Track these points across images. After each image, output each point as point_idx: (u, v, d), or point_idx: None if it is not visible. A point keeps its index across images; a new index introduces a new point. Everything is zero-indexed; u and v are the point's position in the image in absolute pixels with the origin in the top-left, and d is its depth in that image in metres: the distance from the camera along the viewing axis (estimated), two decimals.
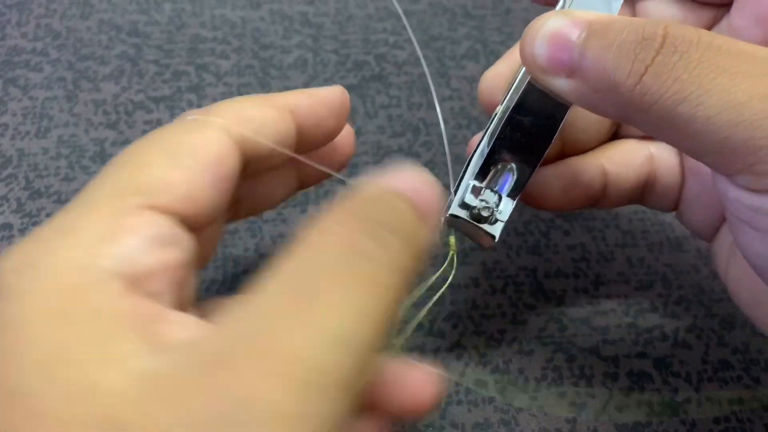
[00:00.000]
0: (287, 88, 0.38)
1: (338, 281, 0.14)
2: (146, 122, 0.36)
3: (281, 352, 0.13)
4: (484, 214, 0.22)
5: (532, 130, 0.22)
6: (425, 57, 0.41)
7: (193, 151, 0.18)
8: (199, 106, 0.37)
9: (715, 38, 0.17)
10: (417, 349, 0.27)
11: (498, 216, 0.22)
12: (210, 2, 0.44)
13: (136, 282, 0.15)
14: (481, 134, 0.23)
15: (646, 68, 0.17)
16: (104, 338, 0.14)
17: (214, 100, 0.37)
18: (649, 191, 0.25)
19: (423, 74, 0.40)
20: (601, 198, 0.25)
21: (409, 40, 0.42)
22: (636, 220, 0.33)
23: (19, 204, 0.31)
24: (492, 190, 0.22)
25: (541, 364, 0.27)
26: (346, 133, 0.23)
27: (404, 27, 0.43)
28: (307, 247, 0.15)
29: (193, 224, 0.18)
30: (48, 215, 0.31)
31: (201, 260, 0.21)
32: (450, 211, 0.22)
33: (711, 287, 0.30)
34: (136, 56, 0.39)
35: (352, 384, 0.13)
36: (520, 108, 0.22)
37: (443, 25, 0.44)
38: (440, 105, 0.38)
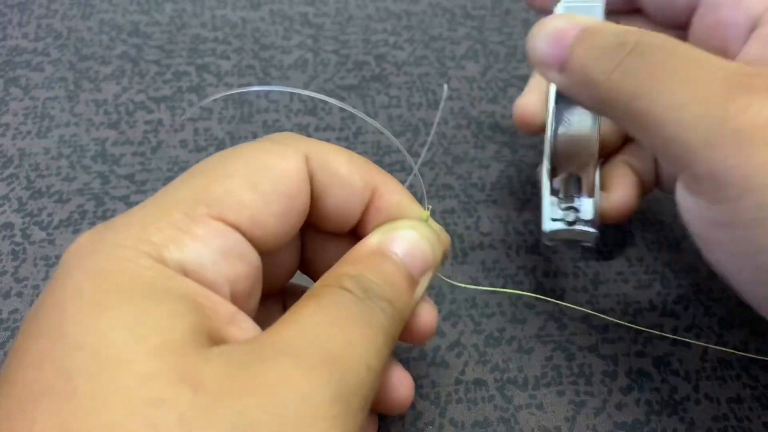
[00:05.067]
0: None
1: (364, 322, 0.17)
2: (147, 122, 0.36)
3: (323, 355, 0.15)
4: (570, 219, 0.26)
5: (577, 140, 0.25)
6: (425, 57, 0.42)
7: (272, 178, 0.18)
8: (200, 106, 0.37)
9: (679, 45, 0.19)
10: (417, 347, 0.27)
11: (584, 216, 0.26)
12: (210, 3, 0.44)
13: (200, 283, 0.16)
14: (544, 161, 0.26)
15: (615, 67, 0.20)
16: (183, 315, 0.15)
17: (215, 100, 0.37)
18: None
19: (423, 74, 0.40)
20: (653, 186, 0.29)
21: (410, 40, 0.43)
22: (635, 219, 0.33)
23: (21, 203, 0.31)
24: (569, 198, 0.26)
25: (541, 363, 0.27)
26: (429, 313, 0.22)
27: (404, 27, 0.44)
28: (328, 292, 0.18)
29: (257, 246, 0.18)
30: (49, 215, 0.31)
31: (275, 281, 0.22)
32: (544, 228, 0.26)
33: (710, 287, 0.30)
34: (137, 56, 0.40)
35: (369, 401, 0.17)
36: (558, 124, 0.24)
37: (443, 25, 0.44)
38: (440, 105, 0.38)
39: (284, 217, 0.18)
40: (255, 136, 0.35)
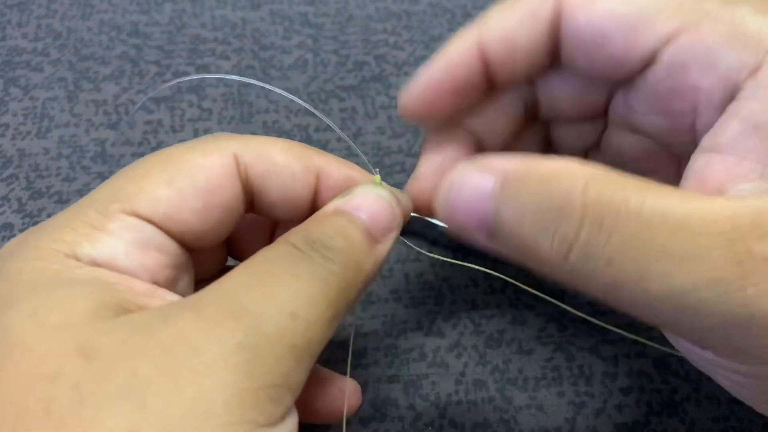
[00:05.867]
0: (287, 89, 0.38)
1: (292, 273, 0.16)
2: (146, 122, 0.36)
3: (231, 307, 0.15)
4: None
5: None
6: (425, 57, 0.41)
7: (189, 174, 0.18)
8: (200, 106, 0.37)
9: (645, 205, 0.15)
10: (417, 348, 0.27)
11: None
12: (210, 3, 0.44)
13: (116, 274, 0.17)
14: None
15: (571, 246, 0.15)
16: (87, 295, 0.15)
17: (214, 101, 0.37)
18: None
19: None
20: None
21: (410, 41, 0.42)
22: None
23: (20, 204, 0.31)
24: None
25: (541, 364, 0.27)
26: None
27: (404, 27, 0.43)
28: (267, 249, 0.17)
29: (179, 241, 0.18)
30: (49, 215, 0.31)
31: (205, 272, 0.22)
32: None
33: None
34: (137, 57, 0.40)
35: (300, 350, 0.15)
36: None
37: (443, 25, 0.44)
38: None
39: (204, 212, 0.18)
40: None
